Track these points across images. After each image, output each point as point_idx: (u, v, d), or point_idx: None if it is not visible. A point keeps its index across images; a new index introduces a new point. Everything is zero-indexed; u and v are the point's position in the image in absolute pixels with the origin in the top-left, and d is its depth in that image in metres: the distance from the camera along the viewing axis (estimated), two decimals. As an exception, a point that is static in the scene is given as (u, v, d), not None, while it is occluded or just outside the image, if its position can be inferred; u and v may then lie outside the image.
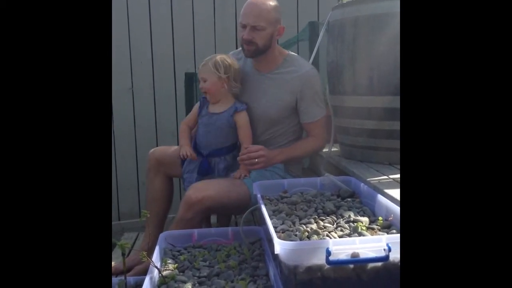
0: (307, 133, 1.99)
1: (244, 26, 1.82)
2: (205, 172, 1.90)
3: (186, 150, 1.89)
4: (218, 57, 1.86)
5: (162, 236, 1.61)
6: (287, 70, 1.89)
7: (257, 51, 1.85)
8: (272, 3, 1.83)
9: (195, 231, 1.68)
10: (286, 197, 1.62)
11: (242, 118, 1.88)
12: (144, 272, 1.37)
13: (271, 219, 1.33)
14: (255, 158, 1.79)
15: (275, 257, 1.19)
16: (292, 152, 1.92)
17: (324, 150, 2.38)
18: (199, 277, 1.36)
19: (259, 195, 1.52)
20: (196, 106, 2.00)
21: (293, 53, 1.98)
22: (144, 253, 1.30)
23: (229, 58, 1.88)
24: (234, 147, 1.93)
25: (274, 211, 1.46)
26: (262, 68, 1.93)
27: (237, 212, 1.96)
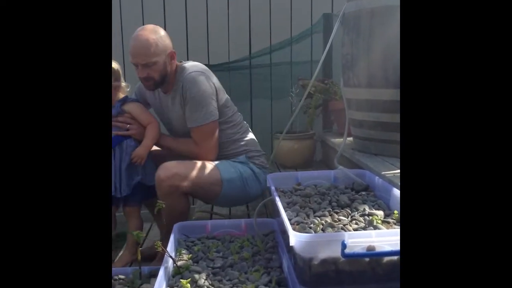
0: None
1: (136, 65, 1.84)
2: None
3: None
4: None
5: (176, 226, 1.62)
6: (177, 83, 1.90)
7: (156, 84, 1.88)
8: (154, 36, 1.81)
9: (209, 223, 1.69)
10: (300, 190, 1.61)
11: (132, 108, 1.91)
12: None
13: (285, 211, 1.33)
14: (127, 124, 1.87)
15: (290, 249, 1.19)
16: (168, 142, 1.95)
17: (338, 142, 2.37)
18: (213, 268, 1.36)
19: (273, 187, 1.52)
20: None
21: (185, 63, 1.96)
22: (159, 242, 1.32)
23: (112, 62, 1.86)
24: (121, 139, 1.90)
25: (288, 203, 1.46)
26: (166, 90, 1.95)
27: (209, 197, 1.93)
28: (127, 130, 1.88)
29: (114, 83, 1.83)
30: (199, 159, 1.89)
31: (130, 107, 1.90)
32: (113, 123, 1.84)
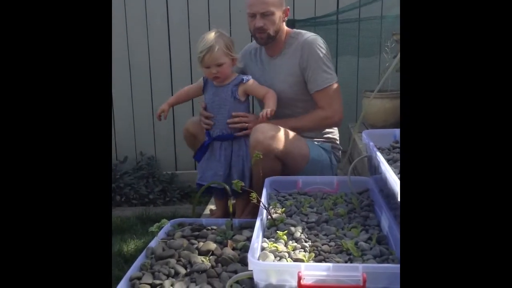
0: (316, 105, 1.88)
1: (253, 16, 1.82)
2: (201, 155, 1.85)
3: (163, 106, 1.91)
4: (221, 37, 1.77)
5: (267, 181, 1.61)
6: (292, 46, 1.89)
7: (270, 38, 1.86)
8: None
9: (300, 179, 1.65)
10: (398, 147, 1.51)
11: (250, 85, 1.84)
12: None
13: (387, 168, 1.25)
14: (246, 123, 1.82)
15: (396, 206, 1.12)
16: (294, 123, 1.85)
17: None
18: (307, 222, 1.34)
19: (371, 143, 1.44)
20: (201, 81, 1.96)
21: (297, 30, 1.96)
22: (255, 194, 1.30)
23: (224, 33, 1.82)
24: (239, 130, 1.85)
25: (388, 160, 1.37)
26: (272, 53, 1.93)
27: (294, 168, 1.83)
28: (245, 129, 1.83)
29: (233, 55, 1.80)
30: (327, 124, 1.90)
31: (246, 87, 1.84)
32: (231, 125, 1.83)
